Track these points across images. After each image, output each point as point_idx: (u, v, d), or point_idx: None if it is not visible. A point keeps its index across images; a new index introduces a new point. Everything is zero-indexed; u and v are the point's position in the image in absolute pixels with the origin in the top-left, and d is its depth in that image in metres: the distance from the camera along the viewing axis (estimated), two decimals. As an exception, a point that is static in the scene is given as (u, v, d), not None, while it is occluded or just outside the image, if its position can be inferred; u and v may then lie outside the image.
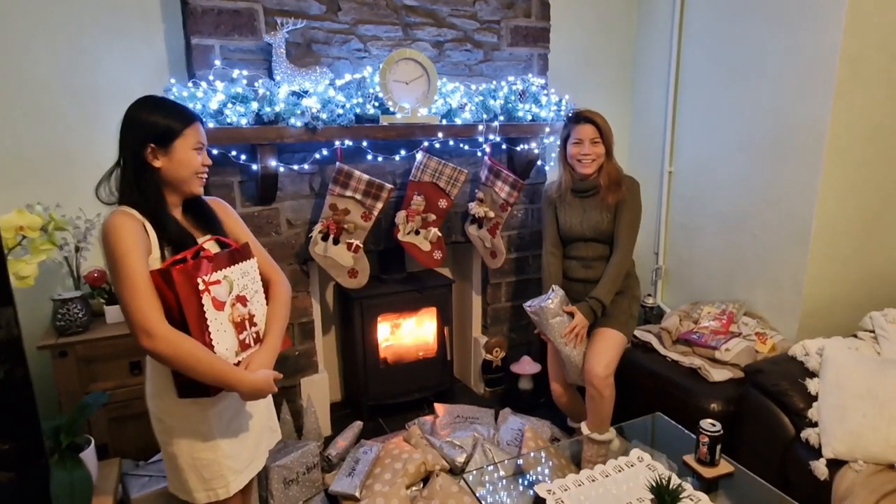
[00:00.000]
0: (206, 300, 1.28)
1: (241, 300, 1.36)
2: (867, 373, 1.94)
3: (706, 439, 1.66)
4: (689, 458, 1.73)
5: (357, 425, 2.55)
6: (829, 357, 2.05)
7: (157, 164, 1.28)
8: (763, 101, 2.63)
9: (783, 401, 2.05)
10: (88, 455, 1.63)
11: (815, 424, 1.94)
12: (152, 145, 1.27)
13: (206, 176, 1.37)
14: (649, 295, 3.29)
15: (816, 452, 1.87)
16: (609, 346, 2.29)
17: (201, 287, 1.26)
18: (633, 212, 2.26)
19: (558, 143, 2.37)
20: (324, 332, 2.89)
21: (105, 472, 1.75)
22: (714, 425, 1.68)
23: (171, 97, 2.06)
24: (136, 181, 1.27)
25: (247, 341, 1.38)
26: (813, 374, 2.07)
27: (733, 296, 2.87)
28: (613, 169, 2.26)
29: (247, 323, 1.37)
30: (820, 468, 1.82)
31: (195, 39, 2.15)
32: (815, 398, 1.99)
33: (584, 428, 2.30)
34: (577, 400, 2.51)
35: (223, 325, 1.31)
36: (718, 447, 1.67)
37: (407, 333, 2.93)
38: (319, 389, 2.64)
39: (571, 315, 2.26)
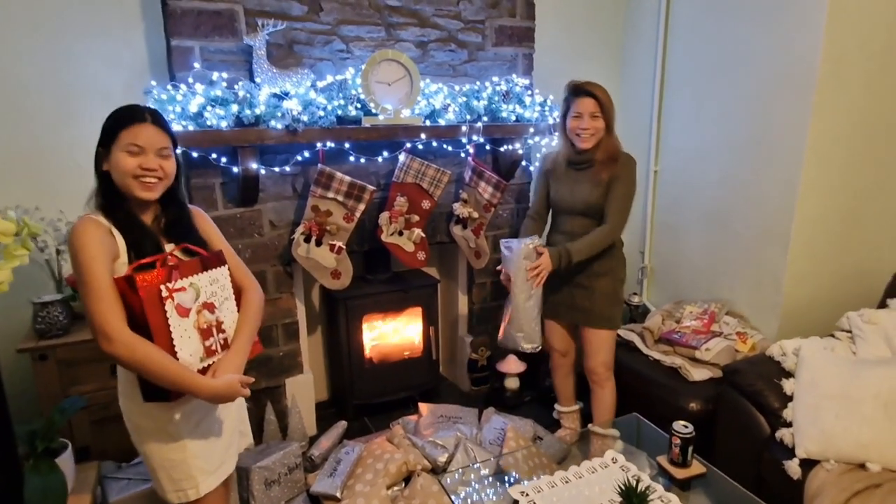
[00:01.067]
0: (170, 307, 1.29)
1: (209, 307, 1.37)
2: (841, 373, 1.96)
3: (678, 441, 1.69)
4: (662, 459, 1.75)
5: (341, 425, 2.57)
6: (805, 357, 2.07)
7: (105, 167, 1.31)
8: (746, 99, 2.65)
9: (759, 401, 2.08)
10: (65, 459, 1.64)
11: (790, 424, 1.96)
12: (100, 149, 1.31)
13: (150, 180, 1.32)
14: (635, 293, 3.31)
15: (790, 452, 1.90)
16: (600, 346, 2.31)
17: (164, 294, 1.28)
18: (625, 187, 2.18)
19: (557, 122, 2.32)
20: (310, 332, 2.90)
21: (83, 475, 1.76)
22: (686, 427, 1.70)
23: (151, 100, 2.06)
24: (99, 186, 1.31)
25: (213, 347, 1.39)
26: (789, 375, 2.09)
27: (717, 294, 2.89)
28: (612, 144, 2.18)
29: (214, 329, 1.38)
30: (793, 468, 1.84)
31: (174, 41, 2.14)
32: (791, 398, 2.02)
33: (592, 426, 2.33)
34: (571, 377, 2.55)
35: (187, 331, 1.32)
36: (690, 448, 1.69)
37: (392, 333, 2.94)
38: (304, 390, 2.65)
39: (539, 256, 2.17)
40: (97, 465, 1.87)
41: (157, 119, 1.34)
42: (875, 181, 2.59)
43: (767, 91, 2.54)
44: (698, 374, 2.41)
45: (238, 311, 1.47)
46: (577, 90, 2.16)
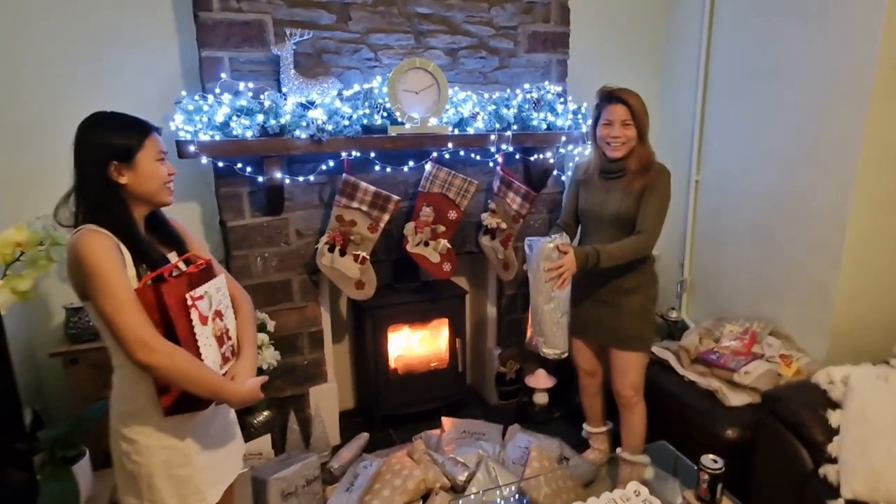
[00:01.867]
0: (194, 315, 1.29)
1: (219, 314, 1.38)
2: (895, 406, 1.81)
3: (706, 476, 1.57)
4: (690, 495, 1.64)
5: (363, 437, 2.55)
6: (855, 387, 1.92)
7: (123, 180, 1.27)
8: (794, 106, 2.49)
9: (802, 432, 1.93)
10: (82, 466, 1.67)
11: (835, 460, 1.82)
12: (115, 162, 1.26)
13: (172, 185, 1.36)
14: (673, 308, 3.17)
15: (835, 491, 1.76)
16: (628, 368, 2.20)
17: (189, 302, 1.28)
18: (660, 198, 2.06)
19: (588, 130, 2.25)
20: (338, 340, 2.90)
21: (101, 482, 1.79)
22: (716, 461, 1.58)
23: (180, 110, 2.09)
24: (103, 201, 1.26)
25: (226, 354, 1.41)
26: (836, 405, 1.94)
27: (760, 311, 2.73)
28: (645, 153, 2.07)
29: (224, 336, 1.39)
30: (838, 509, 1.71)
31: (205, 52, 2.17)
32: (837, 431, 1.87)
33: (620, 451, 2.26)
34: (600, 396, 2.46)
35: (209, 339, 1.33)
36: (720, 486, 1.58)
37: (419, 343, 2.91)
38: (328, 398, 2.64)
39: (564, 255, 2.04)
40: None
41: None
42: (939, 195, 2.38)
43: (818, 98, 2.38)
44: (736, 398, 2.27)
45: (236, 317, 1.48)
46: (609, 97, 2.07)
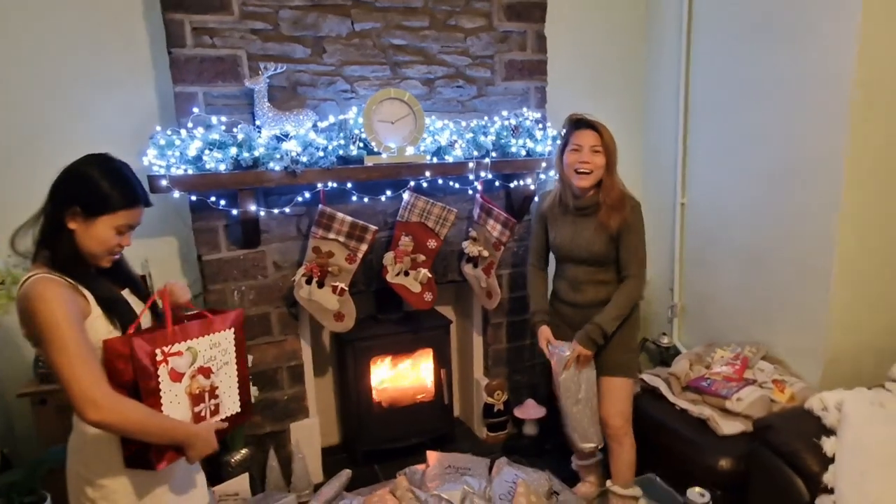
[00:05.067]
0: (163, 371, 1.26)
1: (204, 371, 1.34)
2: (892, 435, 1.73)
3: (692, 512, 1.50)
4: (677, 531, 1.56)
5: (345, 474, 2.46)
6: (849, 413, 1.85)
7: (72, 225, 1.22)
8: (774, 128, 2.47)
9: (796, 463, 1.85)
10: (42, 513, 1.61)
11: (832, 490, 1.74)
12: (77, 208, 1.21)
13: (119, 255, 1.32)
14: (664, 334, 3.10)
15: (832, 524, 1.67)
16: (618, 396, 2.14)
17: (159, 357, 1.25)
18: (639, 236, 2.05)
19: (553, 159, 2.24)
20: (321, 374, 2.84)
21: (62, 529, 1.71)
22: (703, 495, 1.51)
23: (153, 144, 2.08)
24: (60, 243, 1.21)
25: (202, 413, 1.35)
26: (830, 432, 1.86)
27: (754, 336, 2.66)
28: (614, 186, 2.02)
29: (206, 395, 1.34)
30: (835, 544, 1.62)
31: (178, 87, 2.17)
32: (832, 460, 1.79)
33: (610, 484, 2.18)
34: None
35: (177, 396, 1.29)
36: (707, 521, 1.50)
37: (403, 376, 2.84)
38: (310, 434, 2.57)
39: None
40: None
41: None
42: (927, 213, 2.33)
43: (797, 119, 2.36)
44: (728, 427, 2.18)
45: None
46: (578, 123, 2.05)
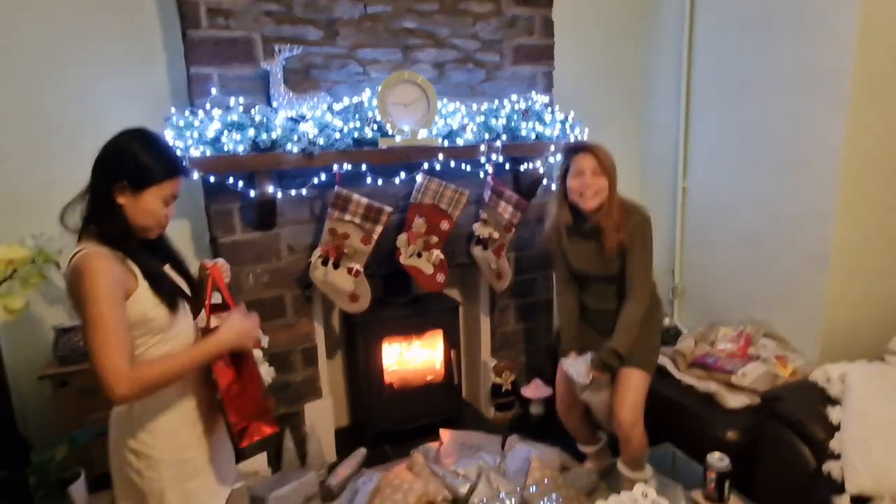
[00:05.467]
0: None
1: None
2: (893, 401, 1.81)
3: (713, 475, 1.56)
4: (697, 495, 1.63)
5: (360, 452, 2.50)
6: (852, 384, 1.93)
7: (121, 200, 1.23)
8: (774, 115, 2.54)
9: (803, 431, 1.93)
10: (77, 488, 1.62)
11: (838, 457, 1.82)
12: (125, 182, 1.23)
13: (168, 226, 1.35)
14: (665, 315, 3.18)
15: (840, 487, 1.75)
16: (632, 388, 2.09)
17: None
18: (643, 253, 2.04)
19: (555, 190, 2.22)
20: (331, 356, 2.86)
21: (95, 505, 1.74)
22: (722, 459, 1.58)
23: (170, 126, 2.08)
24: (109, 217, 1.23)
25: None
26: (835, 402, 1.95)
27: (752, 316, 2.74)
28: (617, 208, 2.01)
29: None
30: (843, 505, 1.70)
31: (193, 69, 2.17)
32: (838, 428, 1.87)
33: (620, 465, 2.17)
34: (583, 422, 2.38)
35: None
36: (727, 483, 1.57)
37: (413, 357, 2.88)
38: (323, 415, 2.60)
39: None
40: (111, 494, 1.85)
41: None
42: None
43: (796, 107, 2.43)
44: (735, 400, 2.26)
45: None
46: (575, 149, 2.05)
